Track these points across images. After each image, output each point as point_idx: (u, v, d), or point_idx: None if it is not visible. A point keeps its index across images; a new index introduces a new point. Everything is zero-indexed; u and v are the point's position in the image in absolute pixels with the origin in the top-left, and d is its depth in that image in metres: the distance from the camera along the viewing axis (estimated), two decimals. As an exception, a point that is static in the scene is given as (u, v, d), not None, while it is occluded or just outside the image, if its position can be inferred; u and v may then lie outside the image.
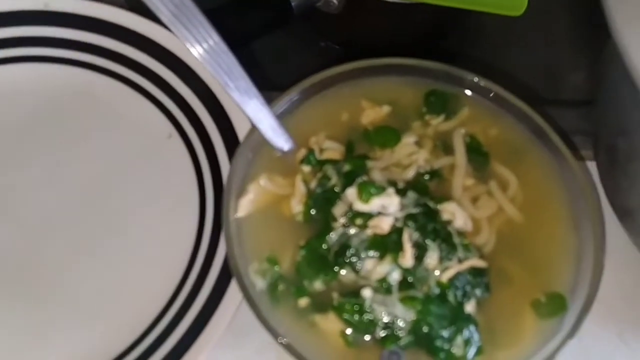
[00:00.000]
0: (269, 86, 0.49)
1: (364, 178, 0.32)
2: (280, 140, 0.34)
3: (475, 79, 0.35)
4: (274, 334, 0.29)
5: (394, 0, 0.43)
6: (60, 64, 0.45)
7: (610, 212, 0.37)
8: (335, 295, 0.30)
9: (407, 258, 0.30)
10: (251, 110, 0.32)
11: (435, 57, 0.50)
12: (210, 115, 0.42)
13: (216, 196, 0.39)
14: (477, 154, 0.34)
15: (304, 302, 0.30)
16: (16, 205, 0.41)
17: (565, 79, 0.52)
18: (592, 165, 0.39)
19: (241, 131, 0.40)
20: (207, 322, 0.35)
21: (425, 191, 0.32)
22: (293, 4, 0.47)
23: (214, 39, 0.31)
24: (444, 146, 0.34)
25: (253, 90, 0.32)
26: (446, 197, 0.32)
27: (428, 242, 0.30)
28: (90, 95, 0.44)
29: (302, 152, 0.34)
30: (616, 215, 0.36)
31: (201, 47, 0.31)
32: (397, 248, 0.30)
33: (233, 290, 0.35)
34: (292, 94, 0.35)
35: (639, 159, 0.33)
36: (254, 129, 0.33)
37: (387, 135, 0.34)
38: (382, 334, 0.30)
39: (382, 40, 0.54)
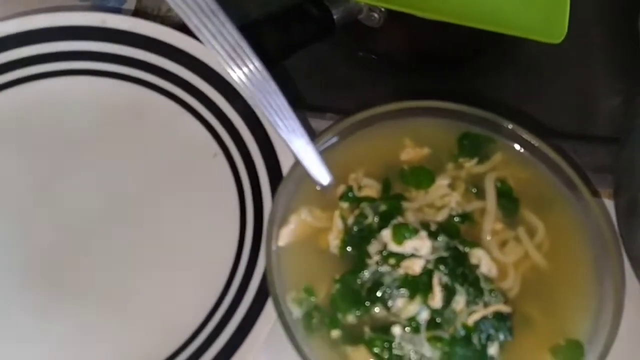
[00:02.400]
0: (306, 98, 0.51)
1: (399, 219, 0.34)
2: (322, 175, 0.36)
3: (510, 126, 0.37)
4: (307, 361, 0.31)
5: (435, 18, 0.44)
6: (114, 78, 0.47)
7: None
8: (366, 329, 0.32)
9: (436, 300, 0.32)
10: (297, 147, 0.35)
11: (469, 74, 0.51)
12: (253, 138, 0.44)
13: (256, 218, 0.41)
14: (508, 199, 0.36)
15: (336, 333, 0.32)
16: (64, 213, 0.43)
17: (602, 112, 0.52)
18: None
19: (282, 155, 0.41)
20: (246, 335, 0.37)
21: (456, 233, 0.34)
22: (335, 17, 0.48)
23: (267, 80, 0.33)
24: (476, 189, 0.36)
25: (300, 129, 0.34)
26: (476, 240, 0.34)
27: (457, 286, 0.32)
28: (142, 110, 0.46)
29: (342, 188, 0.36)
30: (630, 263, 0.37)
31: (256, 89, 0.33)
32: (427, 289, 0.32)
33: (268, 312, 0.37)
34: (335, 132, 0.37)
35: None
36: (297, 163, 0.36)
37: (422, 176, 0.36)
38: (409, 371, 0.31)
39: (421, 54, 0.55)
